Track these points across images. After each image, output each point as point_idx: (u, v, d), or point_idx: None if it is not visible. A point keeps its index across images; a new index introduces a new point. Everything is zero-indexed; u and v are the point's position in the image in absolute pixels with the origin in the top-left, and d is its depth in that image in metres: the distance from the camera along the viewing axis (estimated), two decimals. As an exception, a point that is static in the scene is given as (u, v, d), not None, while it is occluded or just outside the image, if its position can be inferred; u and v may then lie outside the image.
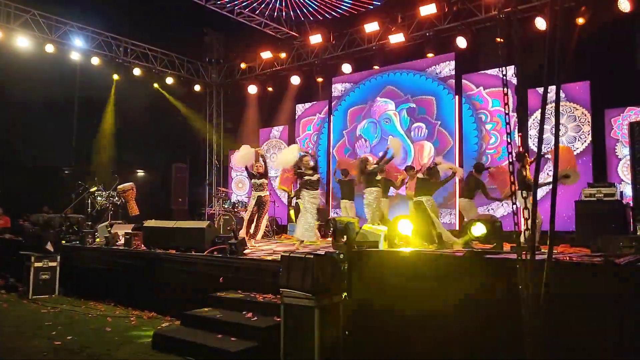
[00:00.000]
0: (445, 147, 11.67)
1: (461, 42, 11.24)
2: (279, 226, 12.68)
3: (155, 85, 15.06)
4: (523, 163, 7.19)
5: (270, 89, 15.01)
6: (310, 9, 12.35)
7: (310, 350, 4.43)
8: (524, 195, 2.99)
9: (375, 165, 8.62)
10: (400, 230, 5.80)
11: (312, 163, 8.39)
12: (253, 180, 8.61)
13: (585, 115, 10.12)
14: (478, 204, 8.96)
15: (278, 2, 12.24)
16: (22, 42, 12.22)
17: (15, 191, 13.11)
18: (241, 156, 8.81)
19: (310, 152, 9.06)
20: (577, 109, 10.17)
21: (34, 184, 13.52)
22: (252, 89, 15.38)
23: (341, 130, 13.65)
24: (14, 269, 9.01)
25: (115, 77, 14.11)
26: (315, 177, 8.37)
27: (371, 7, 11.86)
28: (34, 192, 13.24)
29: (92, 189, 11.59)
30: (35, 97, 12.37)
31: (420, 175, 7.98)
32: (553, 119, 2.89)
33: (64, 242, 9.27)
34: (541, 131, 2.96)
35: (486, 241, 5.79)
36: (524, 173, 7.17)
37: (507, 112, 3.05)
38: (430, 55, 12.01)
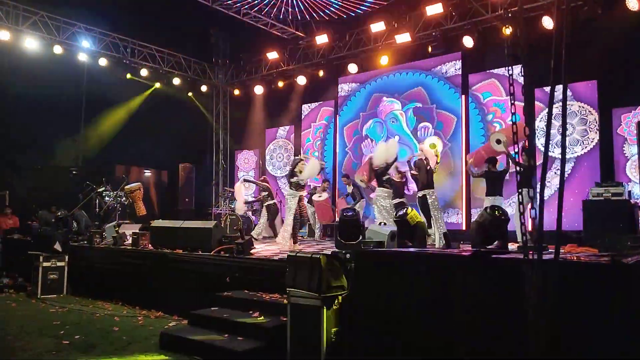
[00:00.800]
0: (449, 169, 11.58)
1: (468, 42, 11.20)
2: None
3: (158, 85, 15.23)
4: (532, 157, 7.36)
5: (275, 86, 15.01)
6: (332, 8, 12.29)
7: (317, 349, 4.44)
8: (530, 195, 2.99)
9: (433, 166, 8.58)
10: None
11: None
12: (295, 179, 8.35)
13: (596, 122, 10.01)
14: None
15: (288, 3, 12.22)
16: (30, 43, 12.31)
17: (24, 191, 13.20)
18: (313, 171, 8.54)
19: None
20: (591, 114, 10.05)
21: (42, 184, 13.60)
22: (258, 89, 15.41)
23: (358, 112, 13.52)
24: (23, 268, 9.09)
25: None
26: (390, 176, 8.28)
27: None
28: (42, 192, 13.31)
29: (100, 189, 11.66)
30: (43, 98, 12.43)
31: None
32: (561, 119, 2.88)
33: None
34: (548, 133, 2.94)
35: None
36: (530, 162, 7.37)
37: (512, 102, 3.04)
38: (430, 49, 11.91)
